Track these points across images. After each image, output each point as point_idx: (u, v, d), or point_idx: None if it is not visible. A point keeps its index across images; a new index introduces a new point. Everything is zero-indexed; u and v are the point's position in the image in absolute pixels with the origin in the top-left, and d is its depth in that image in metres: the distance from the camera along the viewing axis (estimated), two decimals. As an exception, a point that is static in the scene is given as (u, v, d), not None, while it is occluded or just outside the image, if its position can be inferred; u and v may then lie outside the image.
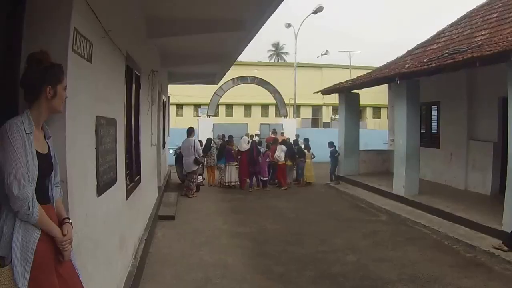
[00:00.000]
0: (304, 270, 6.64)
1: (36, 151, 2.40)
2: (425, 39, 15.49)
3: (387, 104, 18.79)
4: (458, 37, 12.78)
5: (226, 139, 16.51)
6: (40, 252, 2.34)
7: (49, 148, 2.59)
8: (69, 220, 2.67)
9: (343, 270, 6.63)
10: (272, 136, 18.76)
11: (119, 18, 5.20)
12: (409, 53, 15.51)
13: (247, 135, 22.73)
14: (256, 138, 17.23)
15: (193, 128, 14.21)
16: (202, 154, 13.97)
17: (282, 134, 18.80)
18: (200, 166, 13.81)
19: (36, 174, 2.37)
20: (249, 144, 15.05)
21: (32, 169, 2.34)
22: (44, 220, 2.40)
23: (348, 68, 40.97)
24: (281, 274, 6.45)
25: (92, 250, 3.68)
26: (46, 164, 2.51)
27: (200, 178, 14.23)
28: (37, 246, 2.33)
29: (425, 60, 11.50)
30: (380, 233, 8.98)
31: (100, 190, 3.98)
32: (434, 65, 10.33)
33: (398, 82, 11.80)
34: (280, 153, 15.10)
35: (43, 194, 2.49)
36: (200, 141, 15.53)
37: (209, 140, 16.43)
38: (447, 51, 10.99)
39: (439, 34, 14.69)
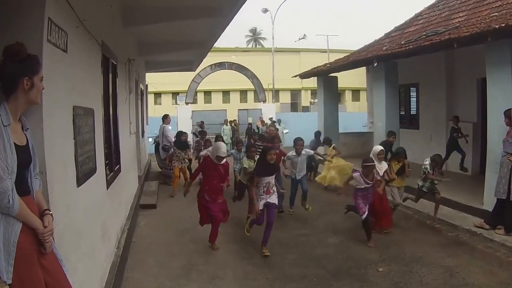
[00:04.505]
0: (287, 253, 6.71)
1: (14, 144, 2.38)
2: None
3: (366, 87, 18.89)
4: (436, 19, 12.85)
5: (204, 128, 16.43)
6: (22, 243, 2.34)
7: (27, 140, 2.57)
8: (50, 211, 2.65)
9: (326, 252, 6.72)
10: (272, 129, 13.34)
11: (94, 8, 5.15)
12: (387, 35, 15.55)
13: (225, 121, 22.68)
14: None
15: (167, 114, 14.28)
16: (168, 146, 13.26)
17: (270, 121, 18.00)
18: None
19: (15, 166, 2.35)
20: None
21: (11, 162, 2.32)
22: (25, 212, 2.39)
23: (326, 52, 41.05)
24: (264, 258, 6.51)
25: (74, 241, 3.68)
26: (24, 156, 2.49)
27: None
28: (19, 239, 2.32)
29: (402, 42, 11.57)
30: (361, 214, 9.08)
31: (80, 181, 3.98)
32: (411, 47, 10.41)
33: (376, 64, 11.86)
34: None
35: (22, 186, 2.47)
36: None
37: (180, 134, 12.50)
38: (424, 33, 11.07)
39: (417, 17, 14.74)
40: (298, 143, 9.09)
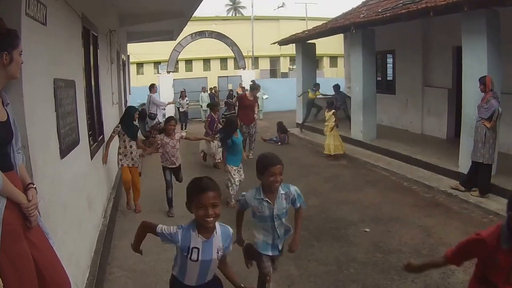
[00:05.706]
0: (269, 216, 6.85)
1: None
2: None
3: (343, 53, 18.90)
4: (413, -12, 12.84)
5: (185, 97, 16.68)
6: (8, 219, 2.31)
7: (8, 115, 2.51)
8: (33, 185, 2.62)
9: (306, 214, 6.76)
10: (244, 93, 14.11)
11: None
12: (364, 3, 15.56)
13: (203, 89, 22.66)
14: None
15: (153, 84, 14.68)
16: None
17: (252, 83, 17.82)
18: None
19: None
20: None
21: None
22: (9, 188, 2.34)
23: (304, 20, 40.78)
24: (248, 221, 6.65)
25: (60, 214, 3.72)
26: (5, 131, 2.45)
27: None
28: (4, 214, 2.29)
29: (379, 10, 11.56)
30: (341, 177, 9.30)
31: (63, 153, 3.99)
32: (388, 14, 10.40)
33: (354, 31, 11.91)
34: None
35: (5, 162, 2.43)
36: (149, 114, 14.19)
37: (130, 111, 7.80)
38: (401, 2, 11.05)
39: (394, -14, 14.68)
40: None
